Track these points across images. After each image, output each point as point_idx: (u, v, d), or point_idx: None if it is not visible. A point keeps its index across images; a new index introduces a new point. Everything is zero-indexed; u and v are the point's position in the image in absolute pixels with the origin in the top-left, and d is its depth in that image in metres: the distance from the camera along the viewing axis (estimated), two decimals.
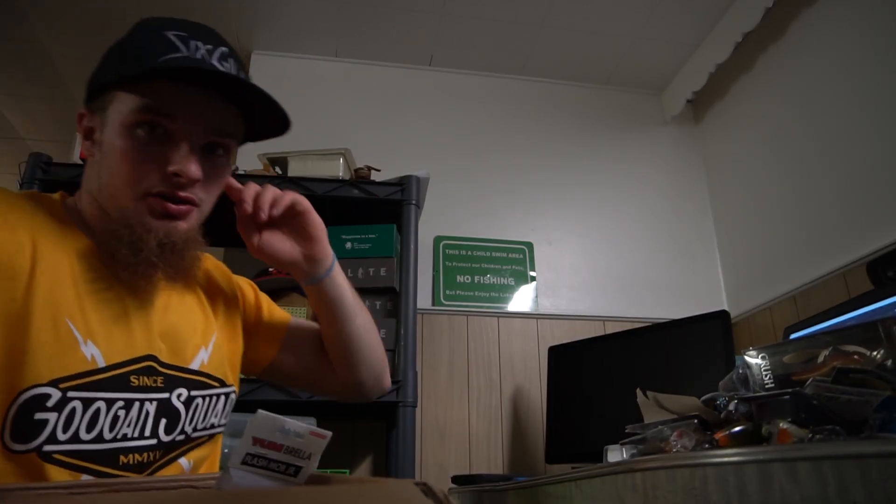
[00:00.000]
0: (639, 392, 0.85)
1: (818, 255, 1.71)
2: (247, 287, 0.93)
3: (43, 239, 0.66)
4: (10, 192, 0.70)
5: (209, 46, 0.70)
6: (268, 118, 0.74)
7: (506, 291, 2.08)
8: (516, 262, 2.12)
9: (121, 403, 0.65)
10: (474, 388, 1.93)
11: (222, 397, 0.79)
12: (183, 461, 0.72)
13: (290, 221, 0.80)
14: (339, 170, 1.69)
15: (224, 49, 0.72)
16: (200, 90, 0.69)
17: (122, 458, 0.65)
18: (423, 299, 1.95)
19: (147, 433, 0.68)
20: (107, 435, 0.64)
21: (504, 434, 1.89)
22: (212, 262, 0.88)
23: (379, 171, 1.76)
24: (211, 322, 0.81)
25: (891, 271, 1.29)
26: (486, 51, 2.28)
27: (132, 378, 0.67)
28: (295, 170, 1.69)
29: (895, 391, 0.56)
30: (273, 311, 0.93)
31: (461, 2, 2.06)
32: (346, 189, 1.62)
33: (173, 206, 0.68)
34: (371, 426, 1.80)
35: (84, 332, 0.64)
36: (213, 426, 0.77)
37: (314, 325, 0.94)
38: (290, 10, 2.10)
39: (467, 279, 2.06)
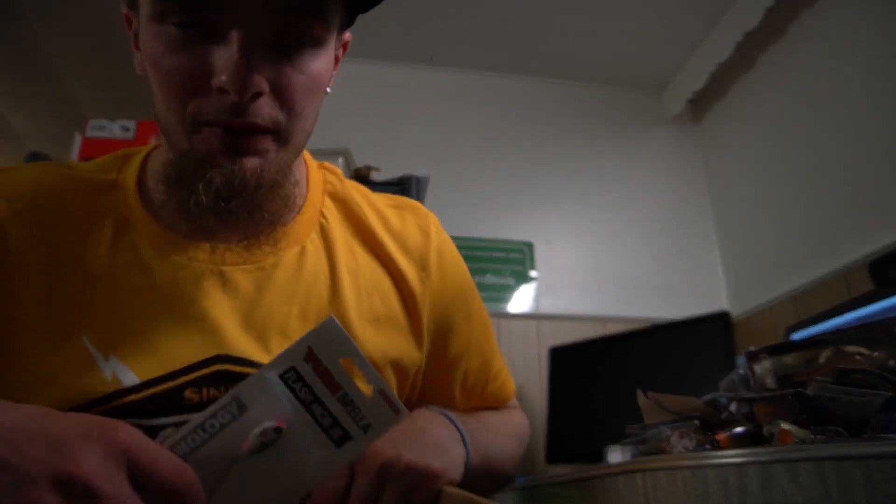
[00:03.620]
0: (639, 392, 0.85)
1: (819, 255, 1.70)
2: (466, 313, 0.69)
3: (48, 230, 0.52)
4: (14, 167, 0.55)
5: None
6: None
7: (506, 292, 2.07)
8: (516, 262, 2.12)
9: (168, 431, 0.46)
10: None
11: None
12: None
13: None
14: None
15: None
16: None
17: None
18: None
19: None
20: None
21: None
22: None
23: (379, 170, 1.76)
24: (337, 302, 0.57)
25: (892, 271, 1.28)
26: (486, 50, 2.28)
27: (188, 392, 0.49)
28: None
29: None
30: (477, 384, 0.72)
31: (461, 1, 2.06)
32: None
33: (236, 140, 0.47)
34: None
35: (104, 347, 0.49)
36: None
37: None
38: None
39: None
